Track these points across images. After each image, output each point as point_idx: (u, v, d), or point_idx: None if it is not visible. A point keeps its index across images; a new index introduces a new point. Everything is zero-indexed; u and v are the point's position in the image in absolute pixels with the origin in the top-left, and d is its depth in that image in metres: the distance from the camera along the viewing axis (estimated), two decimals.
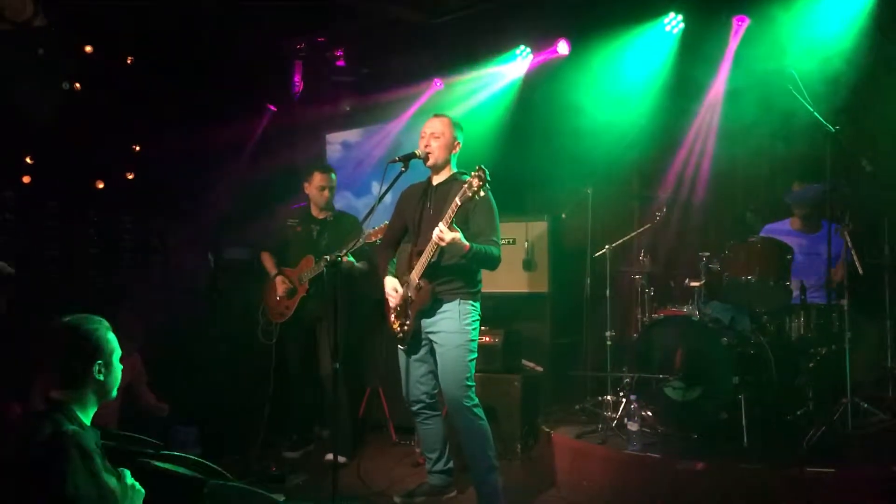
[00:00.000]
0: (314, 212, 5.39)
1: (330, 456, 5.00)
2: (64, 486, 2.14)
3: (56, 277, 6.14)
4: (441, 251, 3.80)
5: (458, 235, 3.62)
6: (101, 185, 6.12)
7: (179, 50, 5.97)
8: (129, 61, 5.83)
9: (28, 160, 5.83)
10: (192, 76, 6.22)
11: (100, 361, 2.43)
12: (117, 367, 2.52)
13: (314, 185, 5.30)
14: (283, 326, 5.35)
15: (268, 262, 5.48)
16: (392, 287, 4.06)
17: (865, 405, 4.34)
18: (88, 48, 5.60)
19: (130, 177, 6.24)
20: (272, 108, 7.18)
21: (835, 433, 4.07)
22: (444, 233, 3.60)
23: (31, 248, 6.07)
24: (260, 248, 5.60)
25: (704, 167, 5.60)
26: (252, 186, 6.91)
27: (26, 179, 5.80)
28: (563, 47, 6.11)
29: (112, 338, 2.51)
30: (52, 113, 5.45)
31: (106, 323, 2.51)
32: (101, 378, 2.44)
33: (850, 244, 4.48)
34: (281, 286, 5.29)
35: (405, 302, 4.00)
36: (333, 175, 5.35)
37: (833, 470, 3.67)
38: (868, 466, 3.76)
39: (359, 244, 4.65)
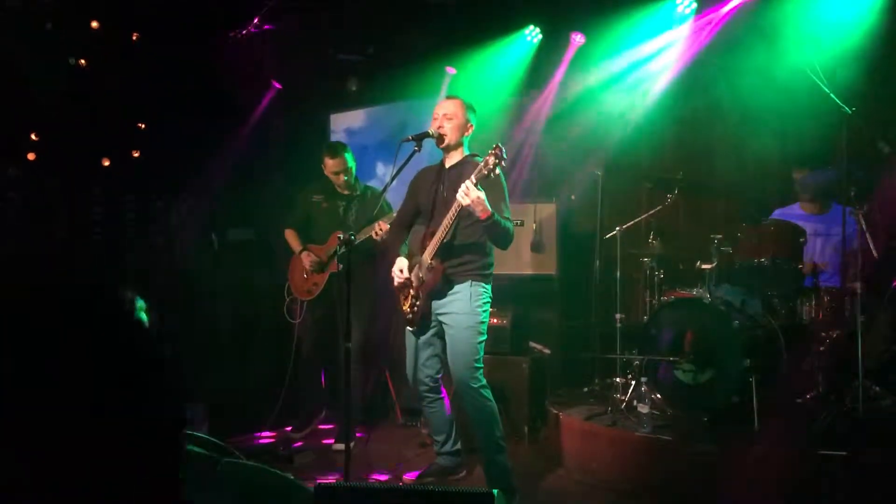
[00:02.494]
0: (339, 188, 5.23)
1: (337, 446, 5.01)
2: None
3: (60, 255, 6.10)
4: (455, 231, 3.77)
5: (483, 196, 3.57)
6: (106, 163, 6.07)
7: (186, 26, 5.90)
8: (134, 37, 5.76)
9: (33, 137, 5.78)
10: (198, 52, 6.16)
11: None
12: None
13: (328, 171, 5.16)
14: (310, 304, 5.23)
15: (292, 239, 5.32)
16: (398, 268, 4.03)
17: (877, 388, 4.33)
18: (95, 23, 5.53)
19: (136, 154, 6.19)
20: (277, 85, 7.10)
21: (846, 416, 4.07)
22: (469, 189, 3.52)
23: (34, 225, 6.04)
24: (285, 226, 5.41)
25: (715, 149, 5.55)
26: (256, 166, 6.87)
27: (31, 156, 5.75)
28: (578, 38, 6.06)
29: None
30: (59, 89, 5.39)
31: None
32: None
33: (864, 227, 4.44)
34: (307, 260, 5.15)
35: (418, 282, 3.97)
36: (347, 154, 5.13)
37: (844, 453, 3.67)
38: (879, 450, 3.75)
39: (373, 228, 4.60)
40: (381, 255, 4.99)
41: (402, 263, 4.05)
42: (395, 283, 4.06)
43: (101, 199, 6.43)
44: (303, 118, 7.32)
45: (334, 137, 7.49)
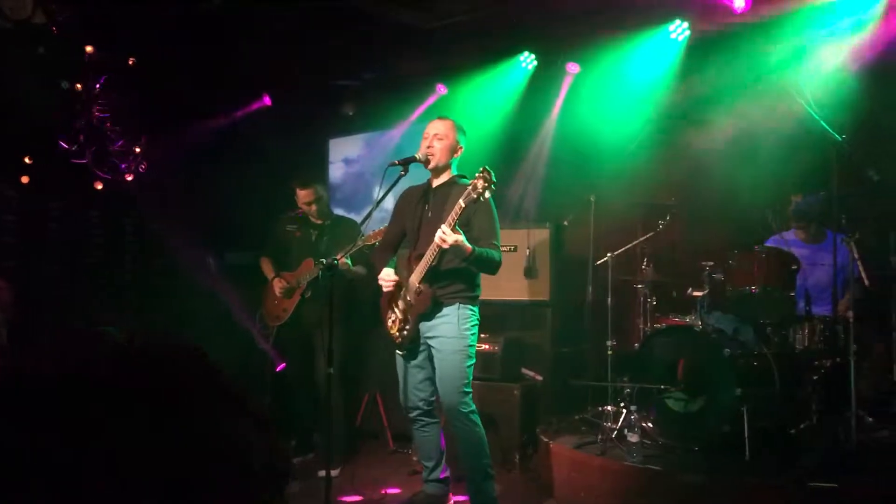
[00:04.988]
0: (312, 218, 5.39)
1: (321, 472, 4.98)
2: None
3: (59, 280, 6.12)
4: (442, 254, 3.75)
5: (461, 238, 3.58)
6: (99, 186, 6.09)
7: (182, 49, 5.94)
8: (131, 62, 5.80)
9: (27, 160, 5.81)
10: (194, 75, 6.20)
11: None
12: None
13: (300, 202, 5.34)
14: (280, 330, 5.34)
15: (266, 266, 5.50)
16: (387, 274, 4.02)
17: (870, 419, 4.27)
18: (90, 48, 5.57)
19: (130, 178, 6.20)
20: (267, 98, 7.16)
21: (839, 447, 4.01)
22: (446, 235, 3.55)
23: (32, 251, 6.06)
24: (260, 254, 5.60)
25: (708, 176, 5.53)
26: (254, 190, 6.87)
27: (25, 179, 5.77)
28: (573, 68, 6.10)
29: None
30: (52, 112, 5.42)
31: None
32: None
33: (856, 255, 4.40)
34: (278, 286, 5.30)
35: (406, 305, 3.95)
36: (318, 187, 5.34)
37: (836, 485, 3.60)
38: (873, 482, 3.69)
39: (357, 247, 4.61)
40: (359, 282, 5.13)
41: (389, 271, 4.04)
42: (385, 290, 4.03)
43: (98, 223, 6.46)
44: (302, 143, 7.35)
45: (332, 167, 7.65)
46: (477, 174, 3.51)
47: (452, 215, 3.58)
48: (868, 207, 4.36)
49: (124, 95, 5.89)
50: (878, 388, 4.48)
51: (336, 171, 7.66)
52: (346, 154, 7.60)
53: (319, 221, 5.38)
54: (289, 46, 6.25)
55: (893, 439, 4.18)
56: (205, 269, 6.69)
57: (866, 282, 4.44)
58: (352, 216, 6.25)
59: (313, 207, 5.31)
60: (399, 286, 3.98)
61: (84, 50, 5.50)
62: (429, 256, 3.76)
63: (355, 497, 4.39)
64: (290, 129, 7.23)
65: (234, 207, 6.76)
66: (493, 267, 3.83)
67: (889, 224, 4.42)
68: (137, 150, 6.10)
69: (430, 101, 6.71)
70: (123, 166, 5.96)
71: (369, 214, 3.84)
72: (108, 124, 5.84)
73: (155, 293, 6.90)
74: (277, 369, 5.37)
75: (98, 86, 5.67)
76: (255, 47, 6.16)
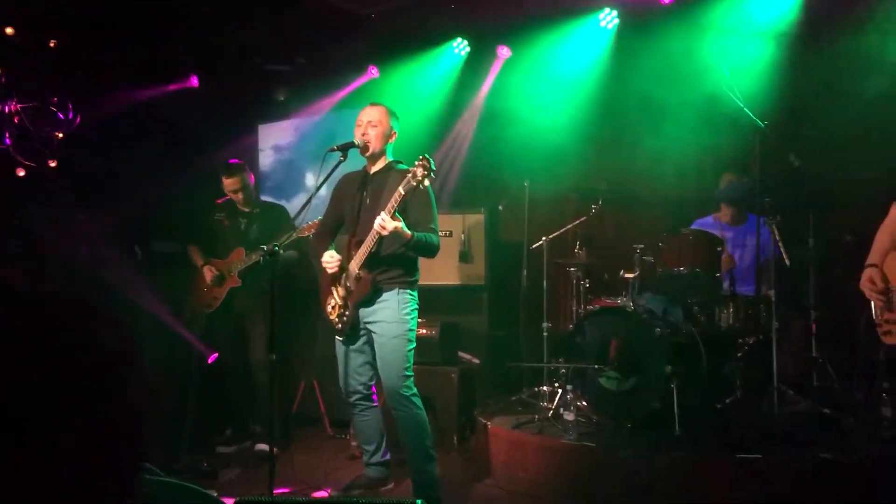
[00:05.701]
0: (239, 205, 5.33)
1: (261, 446, 4.98)
2: None
3: None
4: (381, 241, 3.77)
5: (400, 224, 3.62)
6: (21, 174, 5.85)
7: (108, 31, 5.76)
8: (52, 45, 5.57)
9: None
10: (119, 58, 6.02)
11: None
12: None
13: (226, 189, 5.30)
14: (210, 319, 5.27)
15: (195, 255, 5.43)
16: (330, 255, 4.01)
17: (791, 393, 4.48)
18: (10, 30, 5.33)
19: (53, 164, 5.98)
20: (195, 79, 6.99)
21: (762, 420, 4.21)
22: (386, 222, 3.58)
23: None
24: (188, 242, 5.51)
25: (636, 160, 5.67)
26: (182, 176, 6.71)
27: None
28: (504, 52, 6.16)
29: None
30: None
31: None
32: None
33: (777, 237, 4.61)
34: (208, 274, 5.25)
35: (346, 292, 3.95)
36: (243, 175, 5.29)
37: (760, 456, 3.79)
38: (794, 452, 3.89)
39: (291, 238, 4.59)
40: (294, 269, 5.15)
41: (332, 252, 4.03)
42: (329, 271, 4.02)
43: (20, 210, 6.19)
44: (231, 128, 7.21)
45: (262, 154, 7.56)
46: (416, 162, 3.54)
47: (392, 202, 3.60)
48: (789, 191, 4.55)
49: (45, 78, 5.66)
50: (798, 363, 4.70)
51: (266, 159, 7.56)
52: (276, 141, 7.51)
53: (247, 209, 5.34)
54: (220, 29, 6.11)
55: (812, 411, 4.41)
56: (121, 263, 6.50)
57: (787, 262, 4.65)
58: (282, 203, 6.19)
59: (239, 195, 5.28)
60: (342, 268, 3.98)
61: (4, 31, 5.26)
62: (369, 243, 3.78)
63: (301, 487, 4.37)
64: (218, 113, 7.07)
65: (160, 194, 6.59)
66: (432, 251, 3.88)
67: (808, 207, 4.64)
68: (60, 135, 5.88)
69: (362, 80, 6.67)
70: (46, 152, 5.73)
71: (308, 202, 3.82)
72: (29, 109, 5.61)
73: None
74: (209, 361, 5.30)
75: (18, 69, 5.44)
76: (185, 28, 6.01)
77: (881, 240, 3.90)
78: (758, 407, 4.35)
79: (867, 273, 3.85)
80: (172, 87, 6.91)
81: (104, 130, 6.01)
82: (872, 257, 3.89)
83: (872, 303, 3.86)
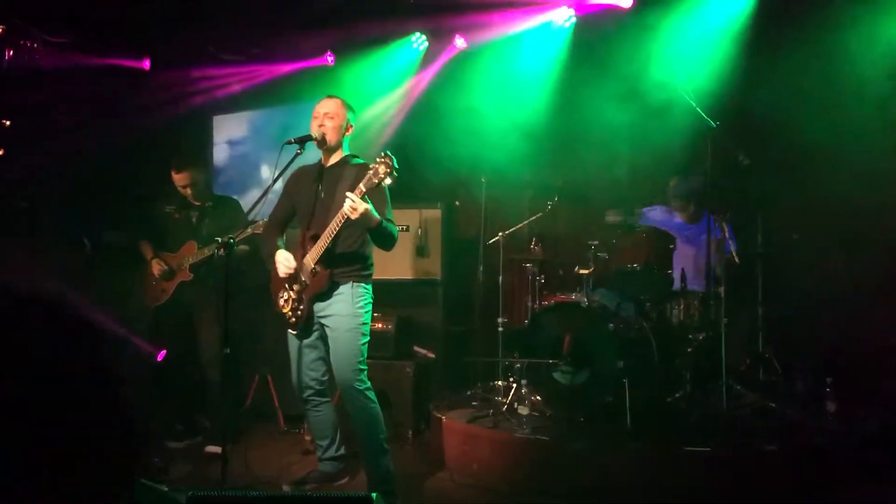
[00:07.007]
0: (190, 199, 5.24)
1: (211, 448, 4.90)
2: None
3: None
4: (338, 235, 3.74)
5: (370, 207, 3.59)
6: None
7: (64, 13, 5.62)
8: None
9: None
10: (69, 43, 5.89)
11: None
12: None
13: (175, 183, 5.17)
14: (158, 313, 5.19)
15: (145, 248, 5.30)
16: (284, 257, 3.96)
17: (739, 387, 4.60)
18: None
19: (0, 153, 5.82)
20: (147, 62, 6.84)
21: (711, 414, 4.30)
22: (356, 203, 3.54)
23: None
24: (138, 236, 5.37)
25: (591, 157, 5.73)
26: (133, 166, 6.58)
27: None
28: (460, 42, 6.17)
29: None
30: None
31: None
32: None
33: (728, 234, 4.71)
34: (157, 267, 5.14)
35: (301, 286, 3.92)
36: (193, 171, 5.15)
37: (709, 449, 3.88)
38: (741, 445, 3.98)
39: (246, 234, 4.55)
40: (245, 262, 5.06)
41: (286, 254, 3.97)
42: (282, 274, 3.97)
43: None
44: (185, 118, 7.09)
45: (216, 147, 7.44)
46: (378, 159, 3.52)
47: (360, 188, 3.56)
48: (738, 190, 4.65)
49: None
50: (745, 358, 4.82)
51: (220, 153, 7.44)
52: (230, 135, 7.41)
53: (199, 203, 5.25)
54: (177, 19, 6.01)
55: (758, 405, 4.52)
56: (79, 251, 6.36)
57: (737, 259, 4.75)
58: (234, 198, 6.10)
59: (188, 191, 5.18)
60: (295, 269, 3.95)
61: None
62: (326, 236, 3.75)
63: (254, 482, 4.33)
64: (171, 101, 6.95)
65: (110, 184, 6.46)
66: (392, 240, 3.87)
67: (756, 205, 4.75)
68: (7, 122, 5.73)
69: (318, 61, 6.61)
70: None
71: (264, 195, 3.77)
72: None
73: None
74: (158, 358, 5.20)
75: None
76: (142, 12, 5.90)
77: None
78: (706, 401, 4.45)
79: None
80: (124, 62, 6.73)
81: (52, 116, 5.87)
82: None
83: None
